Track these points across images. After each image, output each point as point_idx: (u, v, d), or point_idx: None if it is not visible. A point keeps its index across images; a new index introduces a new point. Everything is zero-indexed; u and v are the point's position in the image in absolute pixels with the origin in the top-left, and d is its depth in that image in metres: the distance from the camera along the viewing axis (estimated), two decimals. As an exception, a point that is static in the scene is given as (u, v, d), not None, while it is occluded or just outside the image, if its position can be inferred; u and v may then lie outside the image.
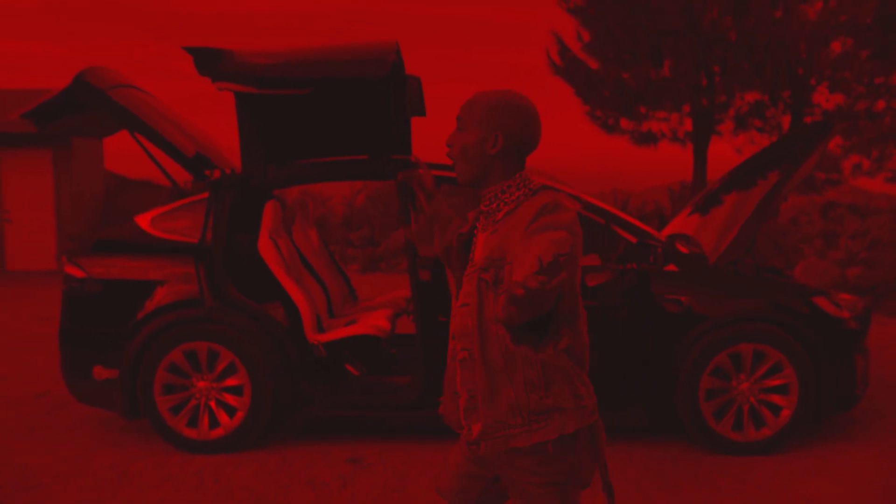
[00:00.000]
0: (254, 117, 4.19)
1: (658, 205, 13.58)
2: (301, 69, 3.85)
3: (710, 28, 12.58)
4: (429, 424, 4.11)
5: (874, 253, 9.44)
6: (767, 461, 4.08)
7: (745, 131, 14.12)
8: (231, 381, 4.23)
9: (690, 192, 13.80)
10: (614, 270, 4.15)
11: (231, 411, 4.26)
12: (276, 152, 4.45)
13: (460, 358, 1.85)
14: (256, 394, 4.19)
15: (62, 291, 4.40)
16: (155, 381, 4.20)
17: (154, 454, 4.23)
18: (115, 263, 4.35)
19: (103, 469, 4.04)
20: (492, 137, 1.84)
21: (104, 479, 3.91)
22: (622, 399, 4.20)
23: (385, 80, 3.69)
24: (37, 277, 11.49)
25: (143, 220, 4.51)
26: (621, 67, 13.71)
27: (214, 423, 4.26)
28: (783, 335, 4.09)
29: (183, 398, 4.25)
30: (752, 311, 4.17)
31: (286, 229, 5.08)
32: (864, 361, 4.30)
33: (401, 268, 11.78)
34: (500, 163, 1.86)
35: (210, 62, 3.76)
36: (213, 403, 4.26)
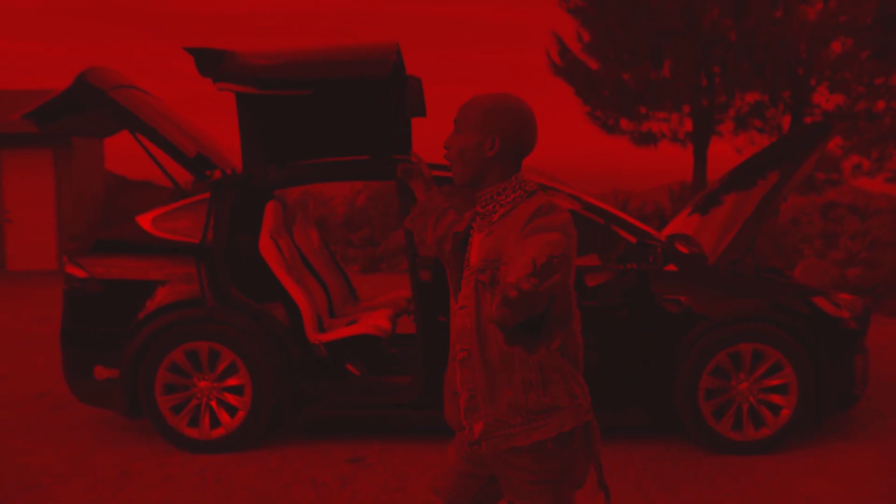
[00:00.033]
0: (255, 118, 4.19)
1: (658, 205, 13.58)
2: (302, 70, 3.87)
3: (710, 28, 12.59)
4: (429, 424, 4.12)
5: (874, 253, 9.45)
6: (767, 460, 4.09)
7: (745, 132, 14.13)
8: (232, 381, 4.24)
9: (690, 192, 13.81)
10: (614, 270, 4.16)
11: (232, 411, 4.27)
12: (277, 153, 4.46)
13: (459, 358, 1.87)
14: (257, 393, 4.20)
15: (63, 291, 4.41)
16: (156, 381, 4.21)
17: (155, 454, 4.24)
18: (117, 263, 4.36)
19: (104, 469, 4.06)
20: (489, 140, 1.86)
21: (105, 479, 3.92)
22: (622, 399, 4.21)
23: (386, 80, 3.70)
24: (37, 277, 11.50)
25: (145, 221, 4.52)
26: (621, 68, 13.72)
27: (216, 422, 4.27)
28: (783, 335, 4.10)
29: (184, 398, 4.27)
30: (751, 311, 4.18)
31: (287, 229, 5.09)
32: (863, 361, 4.30)
33: (401, 268, 11.80)
34: (498, 165, 1.88)
35: (211, 63, 3.77)
36: (214, 403, 4.27)
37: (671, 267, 4.21)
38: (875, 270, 8.92)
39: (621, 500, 3.62)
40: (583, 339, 1.92)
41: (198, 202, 4.50)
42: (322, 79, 3.87)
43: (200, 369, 4.26)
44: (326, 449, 4.30)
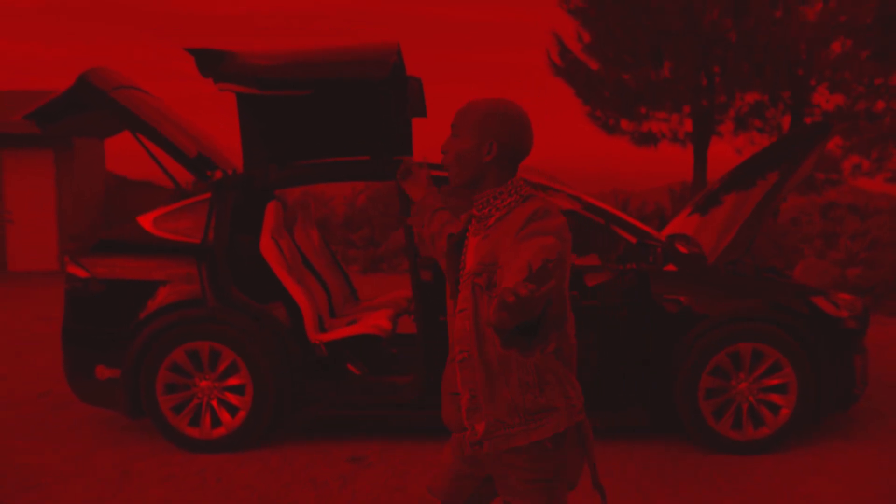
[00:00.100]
0: (256, 118, 4.20)
1: (658, 205, 13.59)
2: (302, 70, 3.88)
3: (710, 29, 12.60)
4: (429, 424, 4.12)
5: (874, 253, 9.45)
6: (766, 460, 4.10)
7: (746, 132, 14.15)
8: (233, 381, 4.25)
9: (691, 192, 13.82)
10: (614, 270, 4.16)
11: (233, 410, 4.28)
12: (278, 153, 4.47)
13: (459, 359, 1.89)
14: (258, 393, 4.21)
15: (65, 291, 4.42)
16: (157, 381, 4.22)
17: (156, 453, 4.25)
18: (118, 263, 4.37)
19: (105, 468, 4.06)
20: (486, 145, 1.90)
21: (106, 479, 3.93)
22: (622, 399, 4.21)
23: (386, 81, 3.71)
24: (38, 278, 11.51)
25: (146, 221, 4.53)
26: (622, 68, 13.74)
27: (216, 422, 4.28)
28: (782, 335, 4.11)
29: (185, 397, 4.27)
30: (751, 311, 4.18)
31: (288, 229, 5.10)
32: (862, 361, 4.31)
33: (402, 268, 11.81)
34: (495, 169, 1.92)
35: (212, 63, 3.78)
36: (215, 403, 4.28)
37: (671, 267, 4.22)
38: (875, 270, 8.93)
39: (621, 500, 3.63)
40: (576, 341, 1.96)
41: (199, 202, 4.51)
42: (322, 79, 3.88)
43: (201, 369, 4.26)
44: (327, 449, 4.31)
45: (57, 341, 4.63)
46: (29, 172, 12.28)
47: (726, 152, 14.39)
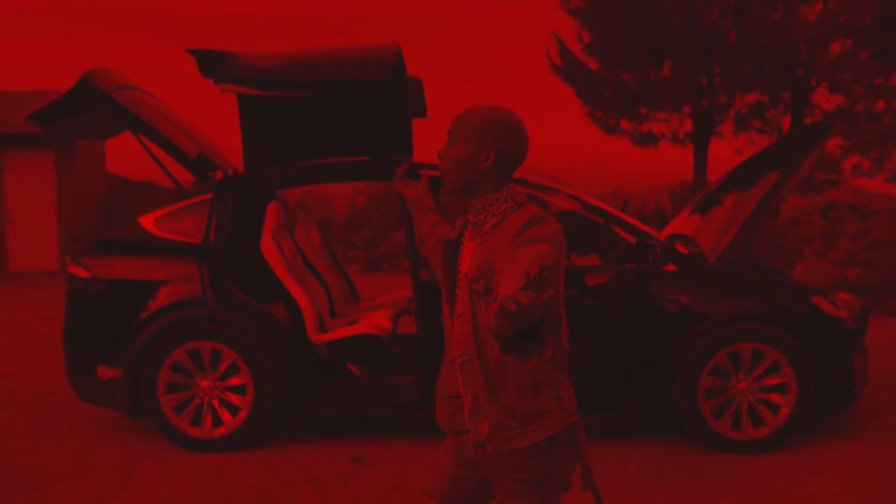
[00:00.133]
0: (256, 119, 4.21)
1: (658, 205, 13.60)
2: (303, 71, 3.89)
3: (710, 29, 12.61)
4: (429, 424, 4.10)
5: (874, 253, 9.46)
6: (766, 460, 4.11)
7: (746, 132, 14.15)
8: (234, 381, 4.26)
9: (691, 192, 13.83)
10: (614, 270, 4.17)
11: (234, 410, 4.29)
12: (279, 154, 4.48)
13: (460, 363, 1.91)
14: (259, 393, 4.22)
15: (66, 291, 4.43)
16: (158, 381, 4.22)
17: (157, 453, 4.26)
18: (119, 263, 4.38)
19: (106, 468, 4.07)
20: (484, 152, 1.92)
21: (107, 479, 3.94)
22: (622, 398, 4.22)
23: (386, 82, 3.72)
24: (39, 278, 11.52)
25: (147, 221, 4.54)
26: (622, 68, 13.75)
27: (217, 421, 4.29)
28: (782, 334, 4.12)
29: (186, 397, 4.28)
30: (751, 311, 4.19)
31: (288, 230, 5.11)
32: (862, 361, 4.32)
33: (402, 268, 11.81)
34: (491, 176, 1.94)
35: (213, 64, 3.79)
36: (216, 402, 4.29)
37: (671, 267, 4.23)
38: (875, 270, 8.93)
39: (621, 500, 3.64)
40: (570, 344, 1.98)
41: (200, 203, 4.52)
42: (323, 80, 3.89)
43: (202, 369, 4.27)
44: (327, 448, 4.31)
45: (57, 341, 4.64)
46: (29, 173, 12.29)
47: (726, 152, 14.40)
